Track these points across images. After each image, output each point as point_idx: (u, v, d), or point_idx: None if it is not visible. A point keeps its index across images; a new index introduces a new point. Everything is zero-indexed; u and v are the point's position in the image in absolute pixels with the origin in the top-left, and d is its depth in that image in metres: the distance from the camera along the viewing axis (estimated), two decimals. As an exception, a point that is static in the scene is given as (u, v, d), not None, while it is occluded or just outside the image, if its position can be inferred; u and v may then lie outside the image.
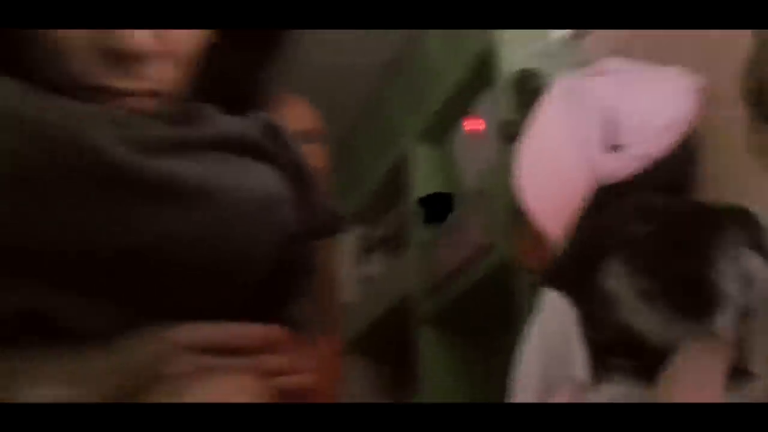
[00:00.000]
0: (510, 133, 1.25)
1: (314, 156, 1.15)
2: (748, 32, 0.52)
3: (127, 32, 0.56)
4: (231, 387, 0.51)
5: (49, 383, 0.55)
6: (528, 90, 1.31)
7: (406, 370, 1.79)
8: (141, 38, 0.56)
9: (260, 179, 0.64)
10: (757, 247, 0.43)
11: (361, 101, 2.35)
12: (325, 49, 2.02)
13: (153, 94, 0.63)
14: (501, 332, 1.59)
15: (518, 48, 1.50)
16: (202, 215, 0.58)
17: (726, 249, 0.42)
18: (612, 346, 0.36)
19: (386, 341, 1.98)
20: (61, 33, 0.57)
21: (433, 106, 1.83)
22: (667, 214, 0.57)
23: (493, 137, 1.54)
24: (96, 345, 0.57)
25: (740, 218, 0.51)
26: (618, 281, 0.35)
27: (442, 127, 1.82)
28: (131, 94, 0.61)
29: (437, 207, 1.73)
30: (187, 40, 0.61)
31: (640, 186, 0.88)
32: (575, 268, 0.47)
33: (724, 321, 0.31)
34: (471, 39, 1.68)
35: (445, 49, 1.90)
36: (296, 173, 0.71)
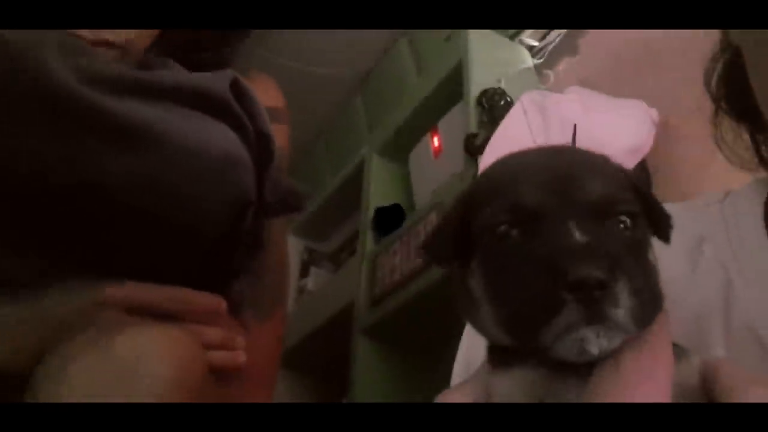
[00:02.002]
0: (474, 147, 1.25)
1: (278, 135, 1.11)
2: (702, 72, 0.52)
3: None
4: (157, 339, 0.48)
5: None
6: (493, 107, 1.32)
7: (339, 382, 1.75)
8: None
9: (219, 138, 0.61)
10: None
11: (327, 112, 2.34)
12: (301, 56, 2.01)
13: (117, 45, 0.60)
14: (440, 345, 1.57)
15: (486, 69, 1.52)
16: (152, 162, 0.55)
17: None
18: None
19: (321, 353, 1.94)
20: None
21: (396, 121, 1.83)
22: None
23: (450, 155, 1.54)
24: (21, 294, 0.53)
25: None
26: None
27: (402, 142, 1.81)
28: (97, 43, 0.58)
29: (389, 219, 1.71)
30: None
31: None
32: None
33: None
34: (440, 57, 1.70)
35: (414, 66, 1.91)
36: (259, 141, 0.67)
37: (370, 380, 1.60)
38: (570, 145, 0.37)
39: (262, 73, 0.96)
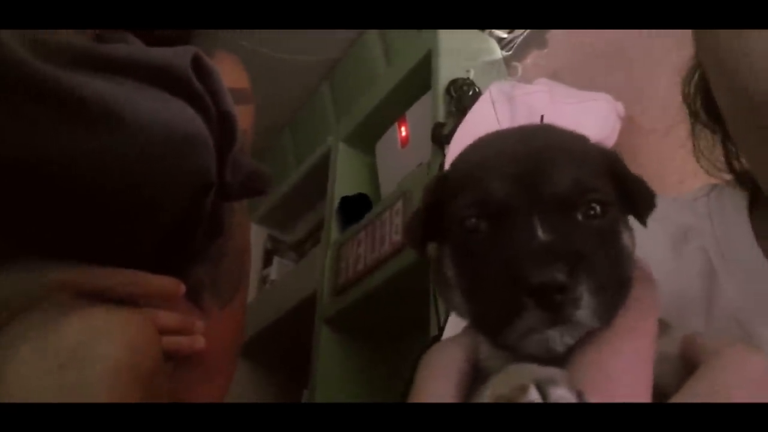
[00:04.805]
0: (441, 136, 1.24)
1: (242, 117, 1.09)
2: (668, 69, 0.52)
3: None
4: (107, 322, 0.45)
5: None
6: (461, 98, 1.32)
7: (300, 372, 1.73)
8: None
9: (177, 115, 0.59)
10: None
11: (294, 99, 2.31)
12: (270, 42, 1.98)
13: None
14: (404, 336, 1.57)
15: (455, 60, 1.51)
16: (105, 138, 0.52)
17: None
18: None
19: (282, 344, 1.92)
20: None
21: (363, 109, 1.82)
22: None
23: (418, 145, 1.53)
24: None
25: None
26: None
27: (369, 131, 1.80)
28: None
29: (354, 209, 1.70)
30: None
31: None
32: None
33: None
34: (410, 47, 1.69)
35: (383, 55, 1.90)
36: (221, 121, 0.65)
37: (332, 371, 1.59)
38: (545, 125, 0.36)
39: (227, 53, 0.94)
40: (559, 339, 0.29)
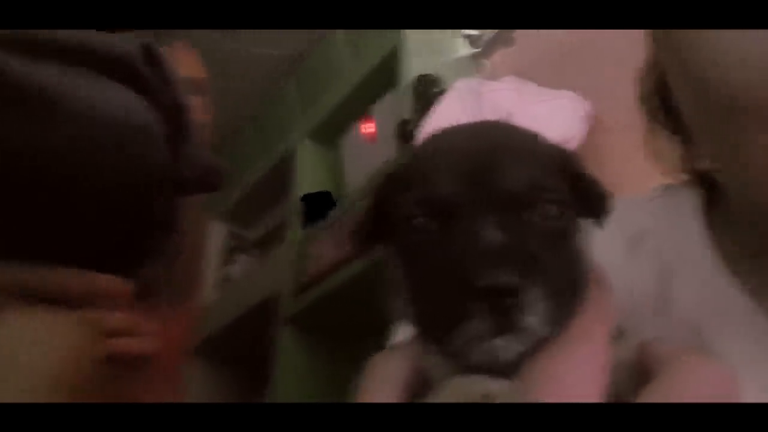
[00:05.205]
0: (407, 133, 1.22)
1: (199, 108, 1.06)
2: (635, 67, 0.51)
3: None
4: (40, 326, 0.42)
5: None
6: (427, 94, 1.30)
7: (260, 373, 1.70)
8: None
9: (120, 104, 0.55)
10: None
11: (259, 93, 2.26)
12: (236, 34, 1.94)
13: None
14: (367, 336, 1.54)
15: (422, 56, 1.50)
16: (41, 127, 0.49)
17: None
18: None
19: (243, 344, 1.89)
20: None
21: (329, 105, 1.79)
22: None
23: (385, 141, 1.51)
24: None
25: None
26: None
27: (335, 127, 1.77)
28: None
29: (318, 206, 1.67)
30: None
31: None
32: None
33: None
34: (376, 43, 1.66)
35: (349, 50, 1.87)
36: (173, 112, 0.62)
37: (293, 372, 1.57)
38: (498, 121, 0.35)
39: (181, 43, 0.90)
40: (508, 347, 0.27)
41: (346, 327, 1.57)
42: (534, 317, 0.27)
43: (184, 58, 1.12)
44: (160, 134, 0.60)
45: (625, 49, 0.50)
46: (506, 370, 0.28)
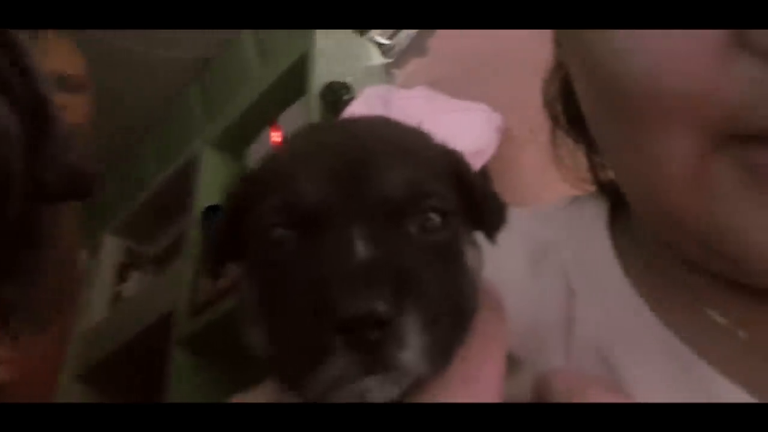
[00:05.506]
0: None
1: (76, 108, 0.97)
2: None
3: None
4: None
5: None
6: (337, 102, 1.25)
7: (152, 399, 1.58)
8: None
9: None
10: None
11: (160, 99, 2.13)
12: (133, 37, 1.82)
13: None
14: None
15: (332, 64, 1.45)
16: None
17: None
18: None
19: (133, 367, 1.77)
20: None
21: (235, 112, 1.70)
22: None
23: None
24: None
25: None
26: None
27: (241, 135, 1.69)
28: None
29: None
30: None
31: None
32: None
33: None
34: (285, 49, 1.61)
35: (258, 55, 1.80)
36: (34, 110, 0.54)
37: (188, 397, 1.46)
38: (377, 117, 0.30)
39: (58, 36, 0.81)
40: (378, 390, 0.23)
41: (245, 351, 1.48)
42: (410, 353, 0.22)
43: (61, 50, 1.01)
44: (14, 132, 0.51)
45: (540, 61, 0.49)
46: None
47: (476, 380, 0.25)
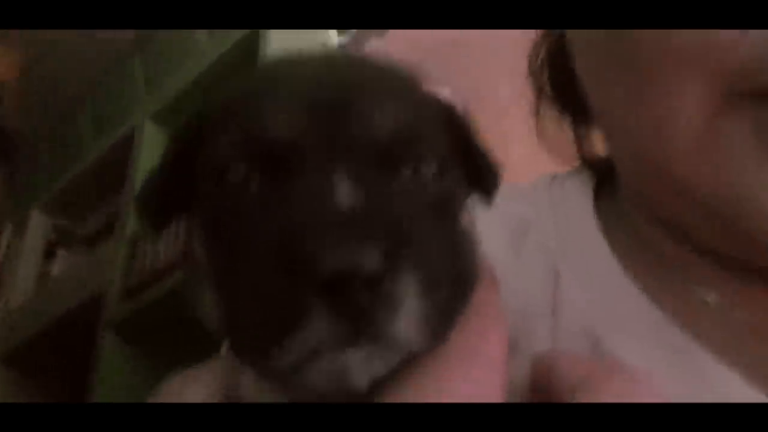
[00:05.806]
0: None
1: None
2: (507, 70, 0.53)
3: None
4: None
5: None
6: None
7: (77, 386, 1.50)
8: None
9: None
10: None
11: (98, 70, 2.01)
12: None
13: None
14: (204, 348, 1.40)
15: (284, 39, 1.40)
16: None
17: None
18: None
19: (58, 352, 1.68)
20: None
21: (178, 85, 1.63)
22: None
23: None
24: None
25: None
26: None
27: (184, 109, 1.61)
28: None
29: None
30: None
31: None
32: None
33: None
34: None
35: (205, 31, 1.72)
36: None
37: (116, 386, 1.39)
38: (363, 55, 0.28)
39: None
40: (361, 367, 0.19)
41: (180, 337, 1.41)
42: (404, 321, 0.19)
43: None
44: None
45: (501, 53, 0.48)
46: (359, 399, 0.20)
47: (477, 354, 0.22)
